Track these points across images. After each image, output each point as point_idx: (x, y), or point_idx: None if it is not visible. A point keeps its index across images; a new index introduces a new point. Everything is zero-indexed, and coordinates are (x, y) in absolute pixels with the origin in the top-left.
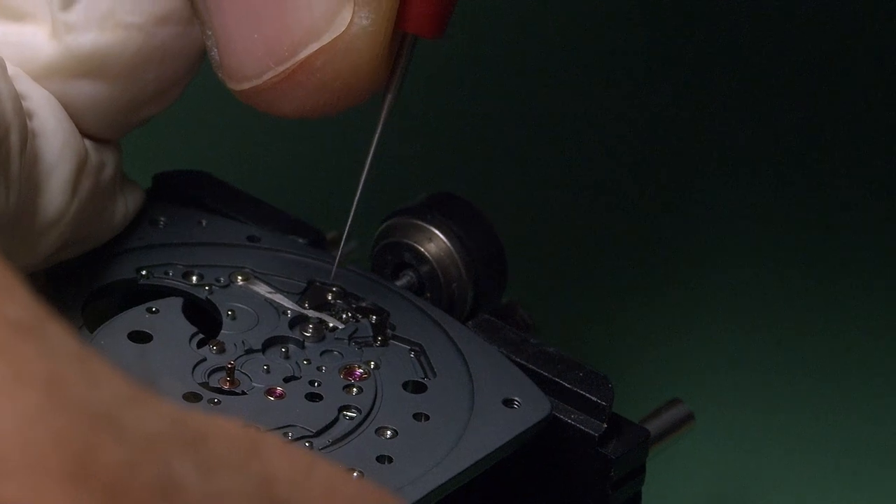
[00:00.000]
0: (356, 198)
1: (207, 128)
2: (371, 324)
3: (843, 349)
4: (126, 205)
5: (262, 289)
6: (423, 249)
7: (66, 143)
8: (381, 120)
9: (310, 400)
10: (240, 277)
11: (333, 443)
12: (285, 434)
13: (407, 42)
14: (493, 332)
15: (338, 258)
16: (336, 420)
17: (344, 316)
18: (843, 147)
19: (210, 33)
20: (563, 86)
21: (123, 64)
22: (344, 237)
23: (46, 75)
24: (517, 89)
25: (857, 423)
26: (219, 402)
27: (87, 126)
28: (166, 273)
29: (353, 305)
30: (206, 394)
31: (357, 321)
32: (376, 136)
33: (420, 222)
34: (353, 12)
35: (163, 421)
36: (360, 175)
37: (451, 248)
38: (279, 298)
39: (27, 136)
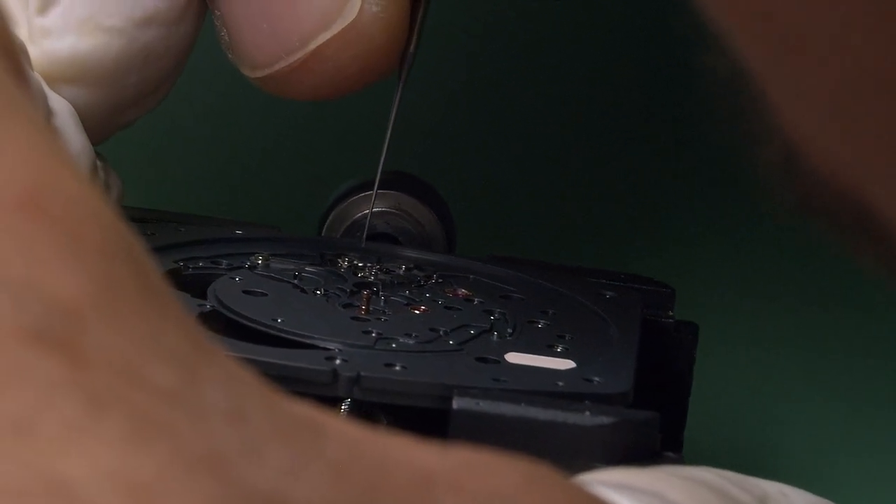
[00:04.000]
0: (382, 156)
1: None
2: (413, 272)
3: None
4: None
5: (288, 265)
6: (384, 209)
7: (84, 148)
8: (402, 78)
9: (453, 310)
10: (260, 259)
11: (511, 334)
12: (467, 330)
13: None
14: (514, 261)
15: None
16: (492, 319)
17: (376, 272)
18: None
19: (219, 14)
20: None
21: (104, 69)
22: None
23: None
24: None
25: None
26: (386, 320)
27: None
28: (199, 264)
29: (379, 266)
30: (364, 317)
31: (407, 271)
32: (398, 91)
33: (364, 194)
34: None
35: (328, 482)
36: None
37: (404, 195)
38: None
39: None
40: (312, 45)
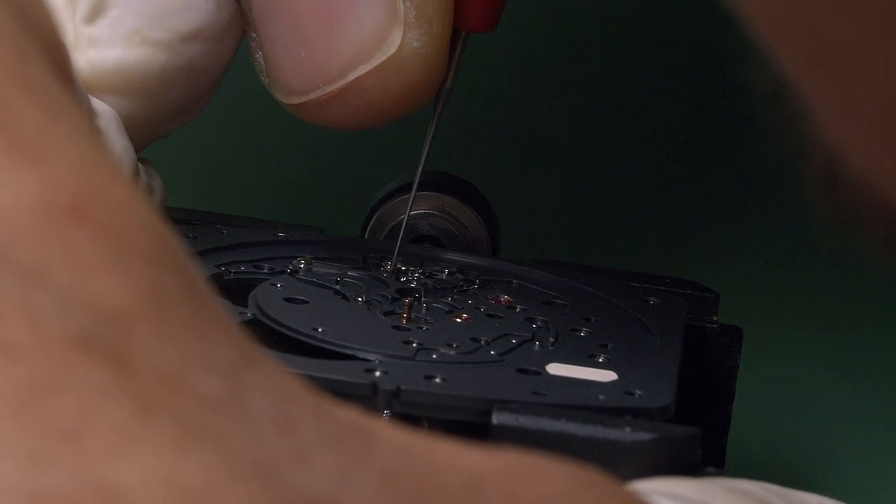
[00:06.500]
0: (415, 182)
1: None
2: (456, 276)
3: None
4: None
5: (331, 269)
6: (427, 210)
7: (125, 150)
8: (437, 112)
9: (495, 318)
10: (303, 263)
11: (553, 343)
12: (509, 340)
13: (461, 37)
14: (558, 265)
15: (403, 228)
16: (534, 328)
17: (419, 276)
18: None
19: (255, 36)
20: None
21: (148, 81)
22: (405, 223)
23: None
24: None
25: None
26: (427, 329)
27: None
28: (240, 269)
29: (422, 270)
30: (406, 326)
31: (450, 275)
32: (432, 126)
33: (406, 196)
34: (404, 34)
35: (377, 487)
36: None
37: (447, 197)
38: (355, 272)
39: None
40: (350, 77)
